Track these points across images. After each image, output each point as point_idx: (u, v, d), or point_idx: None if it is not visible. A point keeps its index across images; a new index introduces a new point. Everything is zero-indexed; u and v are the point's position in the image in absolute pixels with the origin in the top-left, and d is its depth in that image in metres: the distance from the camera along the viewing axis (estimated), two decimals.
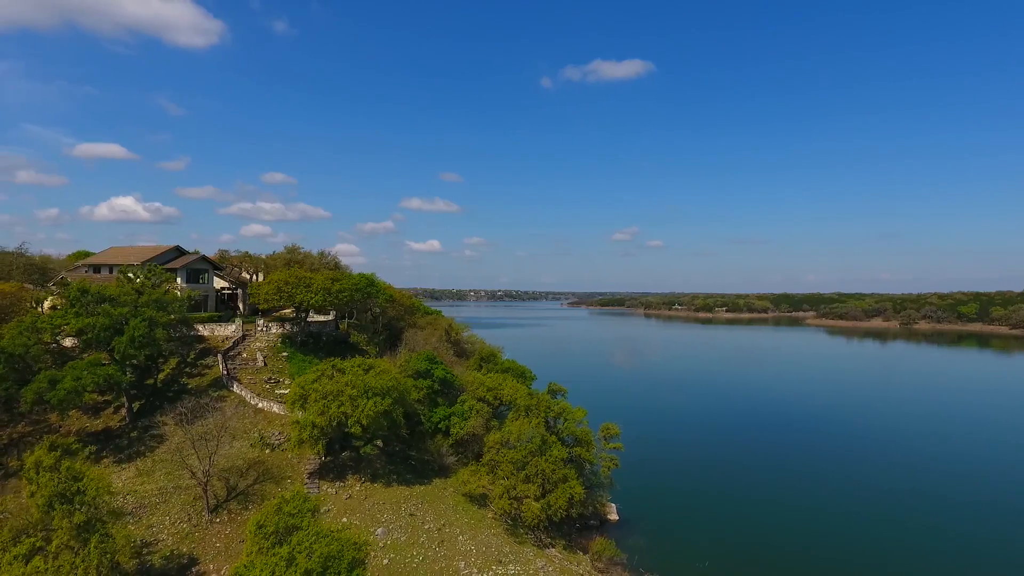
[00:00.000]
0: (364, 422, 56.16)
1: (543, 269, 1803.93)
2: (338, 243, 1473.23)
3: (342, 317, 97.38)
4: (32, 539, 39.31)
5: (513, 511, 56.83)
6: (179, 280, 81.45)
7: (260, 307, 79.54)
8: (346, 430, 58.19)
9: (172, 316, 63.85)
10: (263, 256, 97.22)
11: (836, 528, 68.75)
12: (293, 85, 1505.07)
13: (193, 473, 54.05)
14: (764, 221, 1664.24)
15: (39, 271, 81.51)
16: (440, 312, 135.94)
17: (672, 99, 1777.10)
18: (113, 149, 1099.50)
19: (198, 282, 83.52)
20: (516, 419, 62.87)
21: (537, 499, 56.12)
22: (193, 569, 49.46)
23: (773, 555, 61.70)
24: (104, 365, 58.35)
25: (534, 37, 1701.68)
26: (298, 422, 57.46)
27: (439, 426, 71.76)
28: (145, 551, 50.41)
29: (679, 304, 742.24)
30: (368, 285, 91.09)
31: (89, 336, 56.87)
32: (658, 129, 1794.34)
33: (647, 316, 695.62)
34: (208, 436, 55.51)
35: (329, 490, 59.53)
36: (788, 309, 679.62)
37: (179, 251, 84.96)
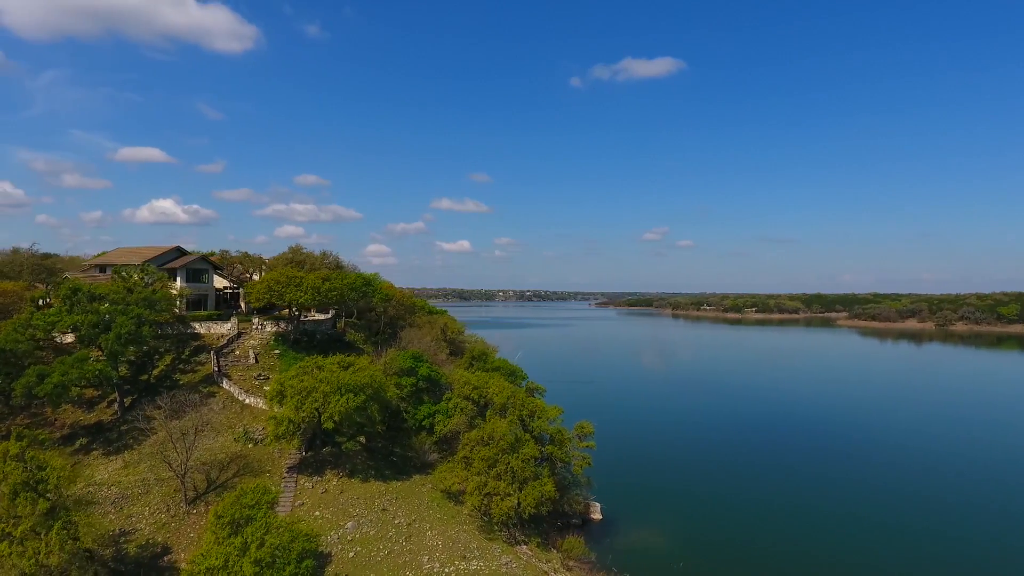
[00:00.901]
0: (336, 418, 57.33)
1: (573, 269, 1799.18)
2: (370, 244, 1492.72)
3: (341, 316, 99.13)
4: (1, 525, 41.35)
5: (484, 508, 57.33)
6: (179, 279, 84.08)
7: (253, 305, 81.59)
8: (322, 425, 59.38)
9: (161, 314, 66.08)
10: (262, 256, 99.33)
11: (827, 531, 67.66)
12: (325, 88, 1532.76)
13: (171, 466, 55.91)
14: (797, 220, 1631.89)
15: (47, 271, 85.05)
16: (445, 311, 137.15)
17: (703, 97, 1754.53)
18: (153, 153, 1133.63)
19: (198, 281, 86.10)
20: (492, 417, 63.41)
21: (507, 496, 56.51)
22: (166, 558, 51.25)
23: (756, 556, 61.10)
24: (93, 361, 60.73)
25: (563, 37, 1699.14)
26: (275, 417, 58.93)
27: (423, 423, 72.73)
28: (123, 539, 52.42)
29: (707, 304, 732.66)
30: (364, 285, 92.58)
31: (82, 333, 59.31)
32: (689, 127, 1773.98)
33: (675, 316, 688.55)
34: (186, 431, 57.25)
35: (306, 484, 60.92)
36: (820, 310, 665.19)
37: (180, 251, 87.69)
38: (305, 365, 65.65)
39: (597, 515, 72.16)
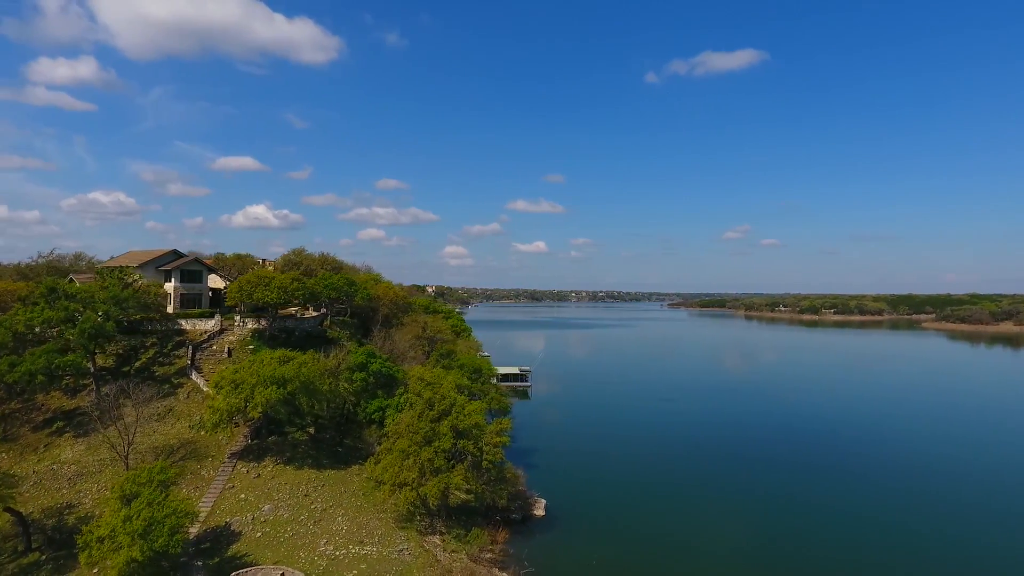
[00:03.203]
0: (260, 408, 61.62)
1: (650, 269, 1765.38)
2: (447, 245, 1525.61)
3: (327, 315, 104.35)
4: None
5: (393, 497, 59.90)
6: (174, 280, 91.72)
7: (226, 303, 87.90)
8: (248, 414, 63.91)
9: (128, 311, 72.99)
10: (256, 257, 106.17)
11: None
12: (404, 94, 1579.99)
13: (115, 449, 61.97)
14: (894, 216, 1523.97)
15: (62, 274, 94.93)
16: (454, 312, 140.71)
17: (788, 89, 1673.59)
18: (247, 162, 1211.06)
19: (192, 282, 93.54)
20: (414, 411, 65.89)
21: (415, 487, 58.85)
22: None
23: (682, 556, 60.81)
24: (65, 353, 68.10)
25: (638, 32, 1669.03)
26: (211, 407, 63.97)
27: (373, 416, 76.16)
28: (67, 511, 58.70)
29: (783, 305, 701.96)
30: (347, 285, 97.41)
31: (51, 327, 66.87)
32: (772, 121, 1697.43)
33: (747, 318, 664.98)
34: (130, 419, 63.22)
35: (242, 469, 65.67)
36: (908, 311, 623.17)
37: (176, 254, 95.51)
38: (256, 358, 70.58)
39: (540, 512, 73.24)
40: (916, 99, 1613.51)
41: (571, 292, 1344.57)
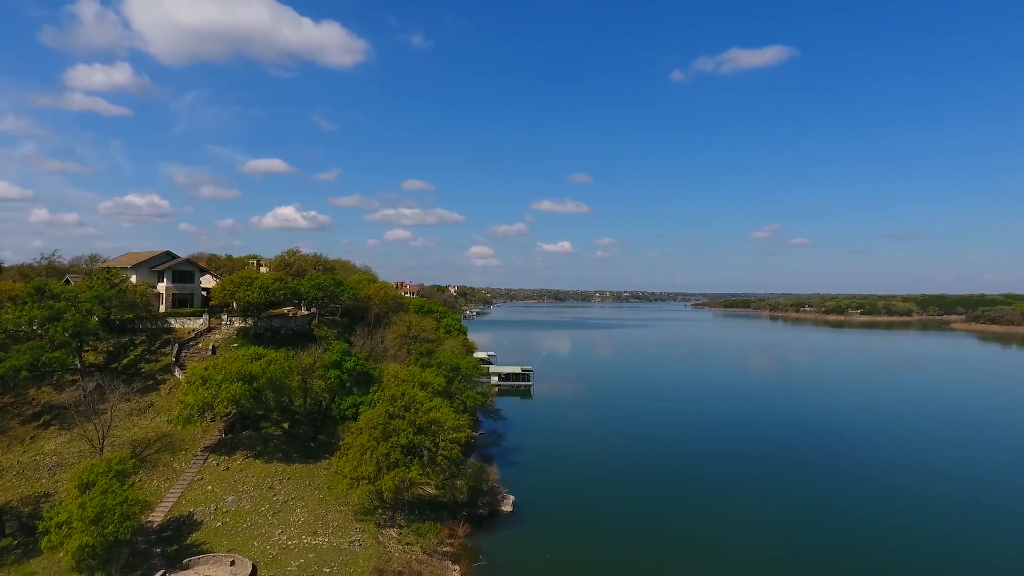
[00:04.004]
0: (225, 403, 64.06)
1: (676, 269, 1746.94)
2: (472, 246, 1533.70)
3: (315, 315, 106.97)
4: None
5: (351, 491, 61.69)
6: (166, 280, 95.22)
7: (211, 303, 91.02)
8: (214, 409, 66.42)
9: (109, 310, 76.33)
10: (248, 258, 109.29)
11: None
12: (429, 95, 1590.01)
13: (91, 442, 64.98)
14: (929, 214, 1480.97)
15: (61, 274, 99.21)
16: (450, 311, 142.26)
17: (817, 85, 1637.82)
18: (276, 164, 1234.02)
19: (184, 282, 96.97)
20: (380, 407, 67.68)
21: (372, 480, 60.59)
22: None
23: (647, 553, 61.54)
24: (54, 350, 71.53)
25: (663, 29, 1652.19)
26: (182, 402, 66.64)
27: (347, 413, 78.22)
28: (43, 500, 61.76)
29: (808, 306, 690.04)
30: (332, 285, 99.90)
31: (36, 325, 70.45)
32: (802, 118, 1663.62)
33: (772, 318, 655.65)
34: (105, 413, 66.22)
35: (213, 462, 68.21)
36: (939, 312, 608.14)
37: (169, 256, 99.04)
38: (229, 357, 73.18)
39: (508, 508, 74.61)
40: (951, 94, 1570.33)
41: (595, 292, 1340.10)
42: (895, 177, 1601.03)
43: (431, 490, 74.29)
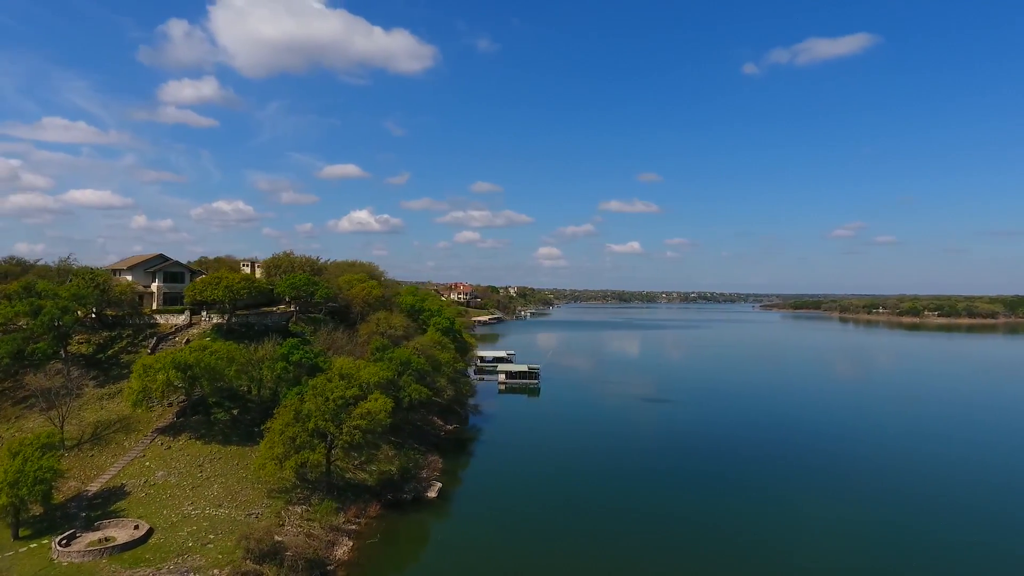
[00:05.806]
0: (160, 389, 71.90)
1: (750, 270, 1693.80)
2: (540, 247, 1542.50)
3: (300, 311, 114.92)
4: None
5: (264, 470, 67.93)
6: (157, 280, 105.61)
7: (186, 301, 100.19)
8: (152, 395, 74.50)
9: (87, 306, 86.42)
10: (238, 258, 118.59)
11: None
12: (497, 98, 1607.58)
13: (52, 421, 74.34)
14: None
15: (71, 275, 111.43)
16: (441, 308, 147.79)
17: (904, 73, 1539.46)
18: (350, 169, 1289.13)
19: (174, 282, 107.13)
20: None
21: (279, 460, 66.65)
22: None
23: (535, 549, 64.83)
24: (39, 341, 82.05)
25: (734, 21, 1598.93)
26: (129, 387, 75.09)
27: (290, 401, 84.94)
28: None
29: (882, 307, 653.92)
30: (306, 283, 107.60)
31: (27, 320, 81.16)
32: (886, 110, 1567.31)
33: (842, 320, 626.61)
34: (62, 396, 75.61)
35: (159, 442, 76.26)
36: None
37: (162, 258, 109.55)
38: (180, 349, 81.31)
39: (433, 493, 79.52)
40: None
41: (661, 293, 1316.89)
42: (993, 169, 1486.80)
43: (363, 474, 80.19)
